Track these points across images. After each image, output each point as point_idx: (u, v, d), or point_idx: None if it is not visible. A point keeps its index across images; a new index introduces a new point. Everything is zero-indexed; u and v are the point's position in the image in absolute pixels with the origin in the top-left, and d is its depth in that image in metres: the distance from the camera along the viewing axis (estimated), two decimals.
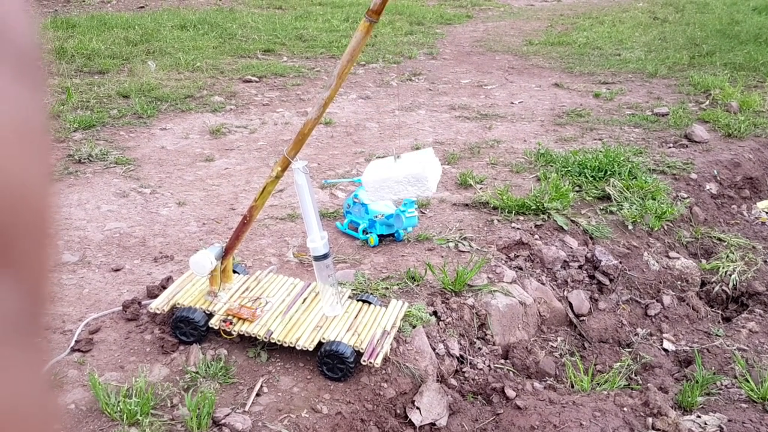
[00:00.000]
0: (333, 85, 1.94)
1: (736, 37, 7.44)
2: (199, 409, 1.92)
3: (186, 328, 2.21)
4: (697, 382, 2.53)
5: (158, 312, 2.24)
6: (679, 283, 3.20)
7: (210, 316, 2.22)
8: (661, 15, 9.03)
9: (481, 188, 3.51)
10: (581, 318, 2.91)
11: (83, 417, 1.91)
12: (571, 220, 3.29)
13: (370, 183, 2.05)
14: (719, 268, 3.32)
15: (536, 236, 3.13)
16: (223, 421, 1.93)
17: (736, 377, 2.61)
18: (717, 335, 2.94)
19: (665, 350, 2.85)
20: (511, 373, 2.52)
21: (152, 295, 2.43)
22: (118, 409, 1.90)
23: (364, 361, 2.10)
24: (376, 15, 1.87)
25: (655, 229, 3.42)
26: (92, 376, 1.98)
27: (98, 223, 3.04)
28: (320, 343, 2.14)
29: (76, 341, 2.20)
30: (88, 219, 3.07)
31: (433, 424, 2.20)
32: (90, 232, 2.95)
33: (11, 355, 0.21)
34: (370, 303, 2.36)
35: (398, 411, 2.19)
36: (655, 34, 7.80)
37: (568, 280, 3.01)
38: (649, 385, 2.53)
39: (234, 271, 2.43)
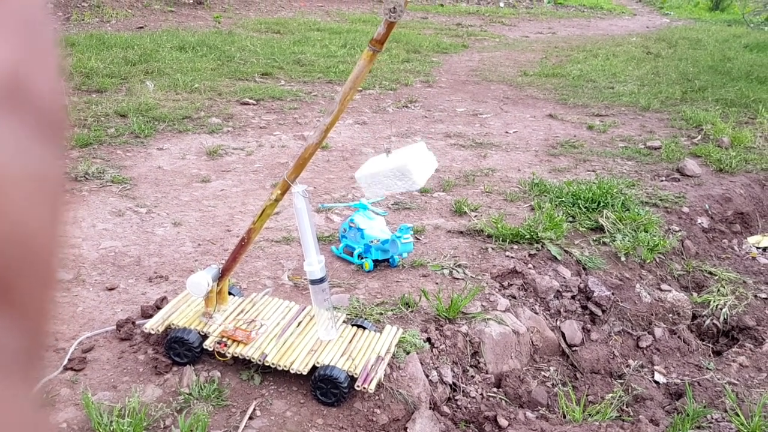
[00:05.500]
0: (335, 111, 1.97)
1: (728, 73, 7.56)
2: (192, 431, 1.91)
3: (180, 349, 2.20)
4: (687, 415, 2.54)
5: (153, 332, 2.24)
6: (670, 315, 3.22)
7: (205, 337, 2.22)
8: (654, 50, 9.17)
9: (475, 216, 3.54)
10: (573, 348, 2.92)
11: None
12: (565, 250, 3.31)
13: (363, 179, 2.12)
14: (710, 301, 3.35)
15: (530, 265, 3.14)
16: None
17: (726, 411, 2.62)
18: (708, 368, 2.95)
19: (656, 382, 2.86)
20: (503, 401, 2.52)
21: (146, 314, 2.43)
22: (111, 429, 1.89)
23: (358, 386, 2.09)
24: (380, 44, 1.90)
25: (648, 261, 3.45)
26: (85, 395, 1.97)
27: (93, 241, 3.04)
28: (314, 367, 2.14)
29: (69, 360, 2.19)
30: (83, 237, 3.06)
31: None
32: (85, 251, 2.94)
33: (6, 392, 0.22)
34: (364, 328, 2.36)
35: None
36: (648, 68, 7.91)
37: (561, 310, 3.03)
38: (640, 417, 2.53)
39: (229, 293, 2.43)
